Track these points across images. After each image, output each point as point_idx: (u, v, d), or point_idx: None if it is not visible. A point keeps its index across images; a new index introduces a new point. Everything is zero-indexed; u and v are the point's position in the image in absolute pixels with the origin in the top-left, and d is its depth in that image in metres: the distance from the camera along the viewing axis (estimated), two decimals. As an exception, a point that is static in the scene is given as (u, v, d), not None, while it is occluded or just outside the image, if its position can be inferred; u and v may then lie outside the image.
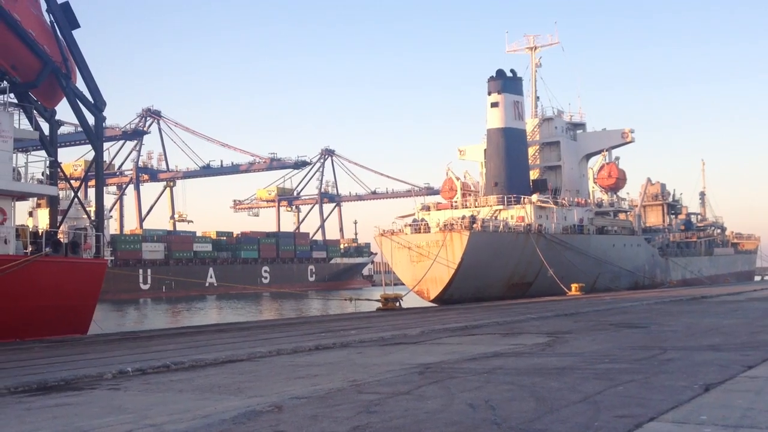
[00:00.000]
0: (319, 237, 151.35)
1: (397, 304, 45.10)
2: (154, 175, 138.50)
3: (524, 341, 20.28)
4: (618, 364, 14.66)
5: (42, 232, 31.70)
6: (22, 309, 28.01)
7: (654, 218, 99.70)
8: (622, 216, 78.56)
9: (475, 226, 56.80)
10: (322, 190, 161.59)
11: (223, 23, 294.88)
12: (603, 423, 9.07)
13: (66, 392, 13.49)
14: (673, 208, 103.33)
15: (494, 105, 67.93)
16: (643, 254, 77.98)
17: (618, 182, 75.67)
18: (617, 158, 77.97)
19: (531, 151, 74.80)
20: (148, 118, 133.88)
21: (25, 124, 32.38)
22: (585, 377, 12.93)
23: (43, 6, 33.59)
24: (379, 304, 45.15)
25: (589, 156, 79.38)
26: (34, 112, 33.60)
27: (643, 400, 10.52)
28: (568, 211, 67.99)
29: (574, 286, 58.12)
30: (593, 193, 75.78)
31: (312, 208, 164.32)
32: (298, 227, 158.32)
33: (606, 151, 76.79)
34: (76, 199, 40.59)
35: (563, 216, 66.96)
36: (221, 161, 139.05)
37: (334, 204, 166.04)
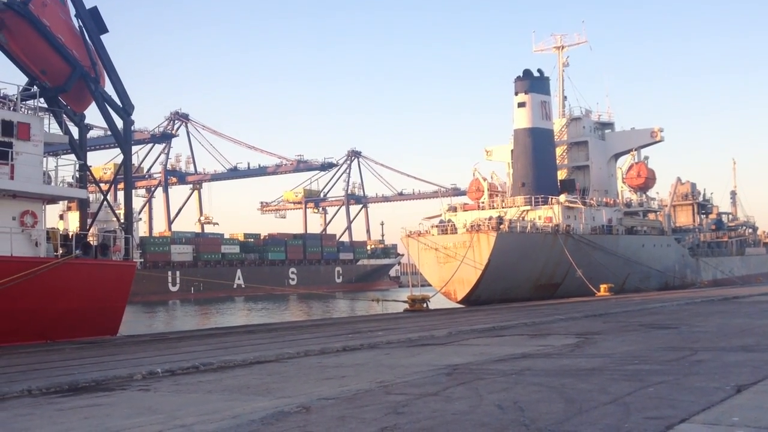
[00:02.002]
0: (345, 238, 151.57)
1: (425, 305, 45.01)
2: (182, 178, 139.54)
3: (553, 342, 20.15)
4: (648, 365, 14.50)
5: (72, 235, 32.07)
6: (53, 311, 28.35)
7: (684, 218, 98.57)
8: (651, 216, 77.75)
9: (502, 226, 56.57)
10: (349, 191, 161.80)
11: (250, 27, 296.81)
12: (633, 424, 8.97)
13: (97, 393, 13.62)
14: (703, 207, 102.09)
15: (521, 105, 67.59)
16: (673, 254, 77.12)
17: (647, 182, 74.90)
18: (646, 158, 77.22)
19: (558, 151, 74.28)
20: (176, 122, 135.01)
21: (55, 128, 32.80)
22: (615, 378, 12.82)
23: (72, 11, 33.98)
24: (407, 306, 45.09)
25: (617, 156, 78.65)
26: (64, 116, 33.99)
27: (674, 401, 10.40)
28: (596, 212, 67.46)
29: (602, 286, 57.64)
30: (622, 193, 75.08)
31: (339, 209, 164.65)
32: (324, 229, 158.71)
33: (635, 150, 76.04)
34: (105, 202, 41.04)
35: (591, 216, 66.46)
36: (248, 163, 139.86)
37: (361, 205, 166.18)
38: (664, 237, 77.00)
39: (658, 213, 79.57)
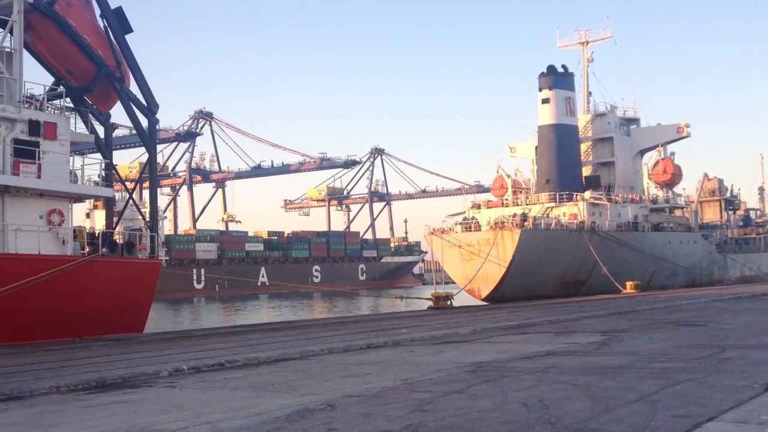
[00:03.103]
0: (369, 236, 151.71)
1: (448, 302, 44.98)
2: (206, 176, 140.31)
3: (578, 340, 20.03)
4: (675, 363, 14.36)
5: (99, 233, 32.36)
6: (81, 308, 28.65)
7: (711, 214, 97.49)
8: (678, 212, 77.06)
9: (526, 223, 56.41)
10: (372, 189, 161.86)
11: (272, 24, 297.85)
12: (660, 423, 8.88)
13: (124, 390, 13.74)
14: (731, 203, 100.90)
15: (545, 101, 67.33)
16: (700, 251, 76.38)
17: (673, 178, 74.28)
18: (673, 153, 76.57)
19: (583, 147, 73.89)
20: (200, 120, 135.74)
21: (81, 127, 33.13)
22: (641, 376, 12.71)
23: (97, 11, 34.26)
24: (430, 303, 45.08)
25: (643, 152, 78.10)
26: (90, 115, 34.32)
27: (702, 399, 10.28)
28: (622, 208, 67.04)
29: (628, 283, 57.25)
30: (648, 190, 74.55)
31: (362, 207, 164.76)
32: (348, 226, 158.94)
33: (661, 146, 75.44)
34: (131, 201, 41.40)
35: (617, 213, 66.06)
36: (272, 161, 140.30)
37: (384, 203, 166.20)
38: (691, 233, 76.28)
39: (684, 209, 78.86)
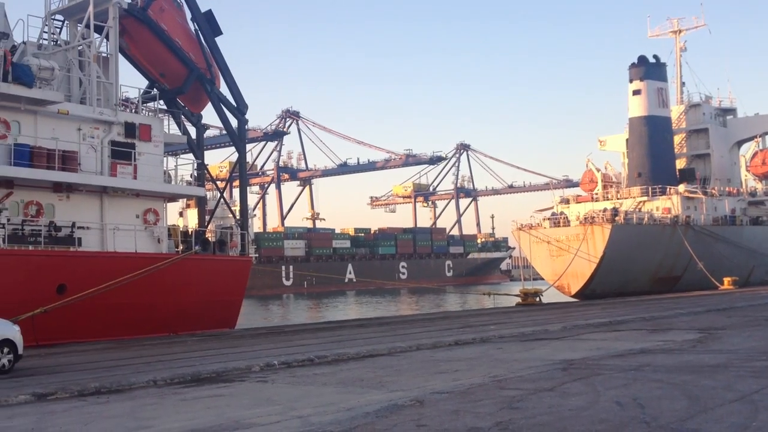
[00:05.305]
0: (455, 232, 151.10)
1: (537, 299, 44.42)
2: (294, 175, 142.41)
3: (673, 337, 19.47)
4: (778, 362, 13.79)
5: (191, 231, 33.29)
6: (176, 304, 29.50)
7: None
8: (778, 205, 73.91)
9: (617, 218, 55.28)
10: (458, 185, 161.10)
11: (358, 25, 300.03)
12: (762, 423, 8.54)
13: (217, 384, 14.08)
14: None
15: (636, 93, 65.70)
16: (803, 245, 73.07)
17: (773, 170, 71.24)
18: (772, 144, 73.51)
19: (677, 139, 71.70)
20: (287, 119, 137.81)
21: (173, 129, 34.11)
22: (741, 375, 12.25)
23: (188, 15, 35.15)
24: (519, 299, 44.63)
25: (740, 143, 75.27)
26: (182, 117, 35.27)
27: (808, 400, 9.83)
28: (718, 202, 64.87)
29: (726, 279, 55.39)
30: (746, 182, 71.81)
31: (448, 203, 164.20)
32: (434, 222, 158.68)
33: (759, 137, 72.53)
34: (222, 199, 42.40)
35: (713, 206, 63.95)
36: (358, 159, 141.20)
37: (471, 199, 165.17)
38: (793, 227, 73.03)
39: (785, 202, 75.54)
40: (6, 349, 16.73)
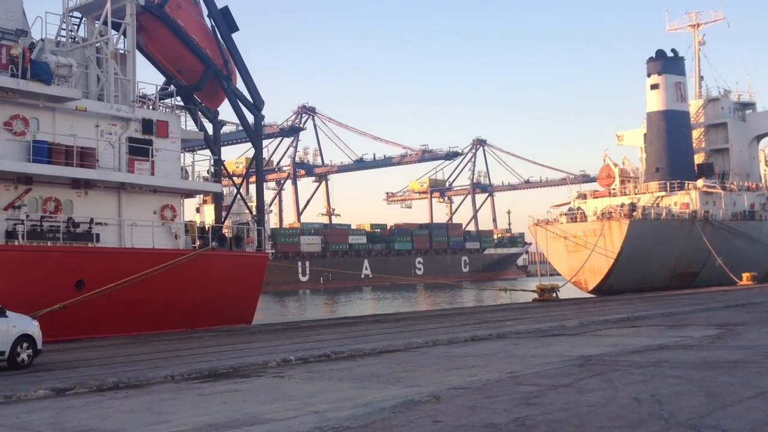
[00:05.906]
0: (471, 228, 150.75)
1: (554, 294, 44.28)
2: (310, 170, 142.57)
3: (691, 333, 19.34)
4: (798, 358, 13.67)
5: (208, 227, 33.42)
6: (193, 300, 29.64)
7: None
8: (798, 200, 73.22)
9: (635, 213, 54.96)
10: (474, 180, 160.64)
11: (374, 20, 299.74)
12: (783, 421, 8.46)
13: (234, 379, 14.13)
14: None
15: (654, 87, 65.27)
16: (823, 241, 72.35)
17: (794, 164, 70.64)
18: (793, 139, 72.86)
19: (695, 133, 71.16)
20: (303, 115, 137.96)
21: (190, 125, 34.26)
22: (760, 371, 12.16)
23: (204, 11, 35.26)
24: (535, 295, 44.53)
25: (760, 137, 74.57)
26: (199, 113, 35.40)
27: (829, 397, 9.74)
28: (737, 197, 64.34)
29: (745, 275, 54.97)
30: (765, 177, 71.16)
31: (464, 198, 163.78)
32: (450, 218, 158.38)
33: (779, 131, 71.84)
34: (238, 195, 42.52)
35: (732, 201, 63.44)
36: (374, 154, 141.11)
37: (487, 194, 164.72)
38: (813, 222, 72.33)
39: (806, 197, 74.84)
40: (25, 344, 16.90)
